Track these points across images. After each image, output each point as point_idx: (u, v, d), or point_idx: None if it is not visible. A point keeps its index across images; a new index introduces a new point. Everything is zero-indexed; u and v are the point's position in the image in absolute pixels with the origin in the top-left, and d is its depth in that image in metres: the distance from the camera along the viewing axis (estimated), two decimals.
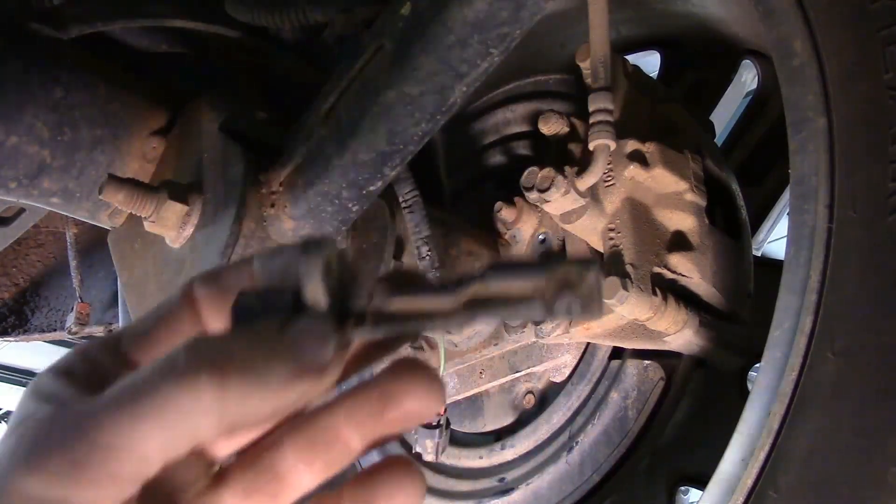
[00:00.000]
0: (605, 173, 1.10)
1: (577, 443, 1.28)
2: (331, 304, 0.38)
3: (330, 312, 0.38)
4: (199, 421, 0.35)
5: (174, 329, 0.41)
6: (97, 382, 0.39)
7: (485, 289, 0.37)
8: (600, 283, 0.36)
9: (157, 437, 0.34)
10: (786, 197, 1.35)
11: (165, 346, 0.41)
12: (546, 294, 0.36)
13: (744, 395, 1.07)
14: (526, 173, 1.12)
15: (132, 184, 0.95)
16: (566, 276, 0.36)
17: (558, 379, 1.34)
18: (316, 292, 0.38)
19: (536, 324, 1.21)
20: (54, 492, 0.34)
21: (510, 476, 1.38)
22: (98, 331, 1.87)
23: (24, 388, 0.41)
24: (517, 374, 1.36)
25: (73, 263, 1.66)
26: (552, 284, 0.36)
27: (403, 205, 1.11)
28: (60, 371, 0.40)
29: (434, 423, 1.26)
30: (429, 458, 1.28)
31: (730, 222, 1.21)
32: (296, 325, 0.37)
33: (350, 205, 1.00)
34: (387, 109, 0.90)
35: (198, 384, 0.35)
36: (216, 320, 0.41)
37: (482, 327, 1.29)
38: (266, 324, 0.38)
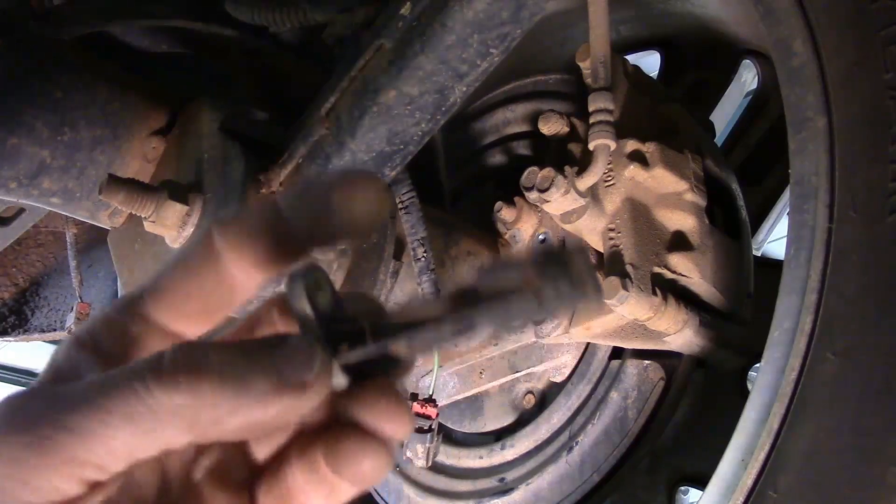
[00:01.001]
0: (605, 173, 1.10)
1: (577, 443, 1.28)
2: (320, 327, 0.38)
3: (319, 335, 0.38)
4: (168, 423, 0.34)
5: (196, 282, 0.40)
6: (120, 351, 0.38)
7: (475, 294, 0.37)
8: (588, 263, 0.36)
9: (124, 433, 0.34)
10: (786, 197, 1.35)
11: (187, 303, 0.40)
12: (535, 284, 0.36)
13: (744, 395, 1.07)
14: (526, 173, 1.12)
15: (132, 184, 0.95)
16: (553, 263, 0.36)
17: (558, 379, 1.34)
18: (303, 311, 0.38)
19: (537, 322, 1.21)
20: (10, 471, 0.33)
21: (510, 476, 1.38)
22: None
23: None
24: (517, 374, 1.36)
25: (73, 263, 1.66)
26: (539, 273, 0.36)
27: (400, 206, 1.11)
28: (81, 340, 0.39)
29: (426, 428, 1.26)
30: (420, 463, 1.28)
31: (730, 222, 1.21)
32: (286, 342, 0.37)
33: None
34: (387, 109, 0.90)
35: (174, 386, 0.34)
36: (239, 269, 0.39)
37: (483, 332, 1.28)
38: (256, 339, 0.38)
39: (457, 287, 0.39)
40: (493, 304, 0.37)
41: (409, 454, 1.28)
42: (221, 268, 0.39)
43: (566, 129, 1.19)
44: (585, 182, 1.08)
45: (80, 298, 1.68)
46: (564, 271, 0.36)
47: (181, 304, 0.39)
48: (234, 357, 0.36)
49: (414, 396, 1.30)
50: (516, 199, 1.32)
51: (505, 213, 1.33)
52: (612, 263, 1.08)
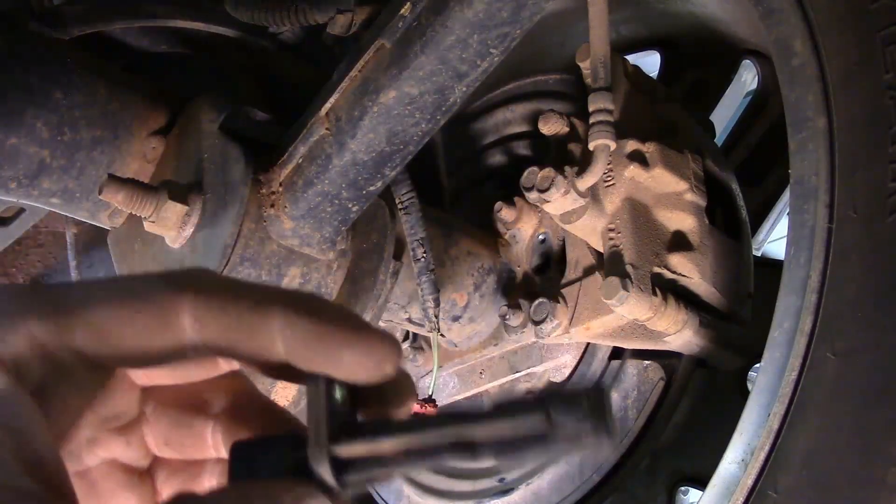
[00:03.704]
0: (605, 173, 1.10)
1: None
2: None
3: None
4: None
5: (145, 326, 0.36)
6: (51, 386, 0.35)
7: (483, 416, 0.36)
8: (606, 401, 0.35)
9: None
10: (786, 197, 1.35)
11: (131, 343, 0.36)
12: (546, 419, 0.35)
13: (744, 395, 1.07)
14: (526, 173, 1.12)
15: (132, 184, 0.95)
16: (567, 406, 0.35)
17: (558, 379, 1.34)
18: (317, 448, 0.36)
19: (536, 323, 1.21)
20: None
21: (510, 476, 1.38)
22: None
23: None
24: (517, 374, 1.36)
25: (72, 263, 1.66)
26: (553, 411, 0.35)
27: (400, 206, 1.11)
28: (10, 371, 0.34)
29: None
30: None
31: (730, 222, 1.21)
32: (288, 489, 0.35)
33: (350, 205, 1.00)
34: (387, 109, 0.90)
35: None
36: (195, 330, 0.36)
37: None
38: (257, 484, 0.35)
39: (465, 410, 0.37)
40: (499, 424, 0.35)
41: None
42: (173, 321, 0.36)
43: (566, 129, 1.19)
44: (585, 182, 1.08)
45: None
46: (580, 411, 0.35)
47: (119, 341, 0.36)
48: None
49: None
50: (516, 199, 1.32)
51: (505, 213, 1.33)
52: (612, 263, 1.08)
